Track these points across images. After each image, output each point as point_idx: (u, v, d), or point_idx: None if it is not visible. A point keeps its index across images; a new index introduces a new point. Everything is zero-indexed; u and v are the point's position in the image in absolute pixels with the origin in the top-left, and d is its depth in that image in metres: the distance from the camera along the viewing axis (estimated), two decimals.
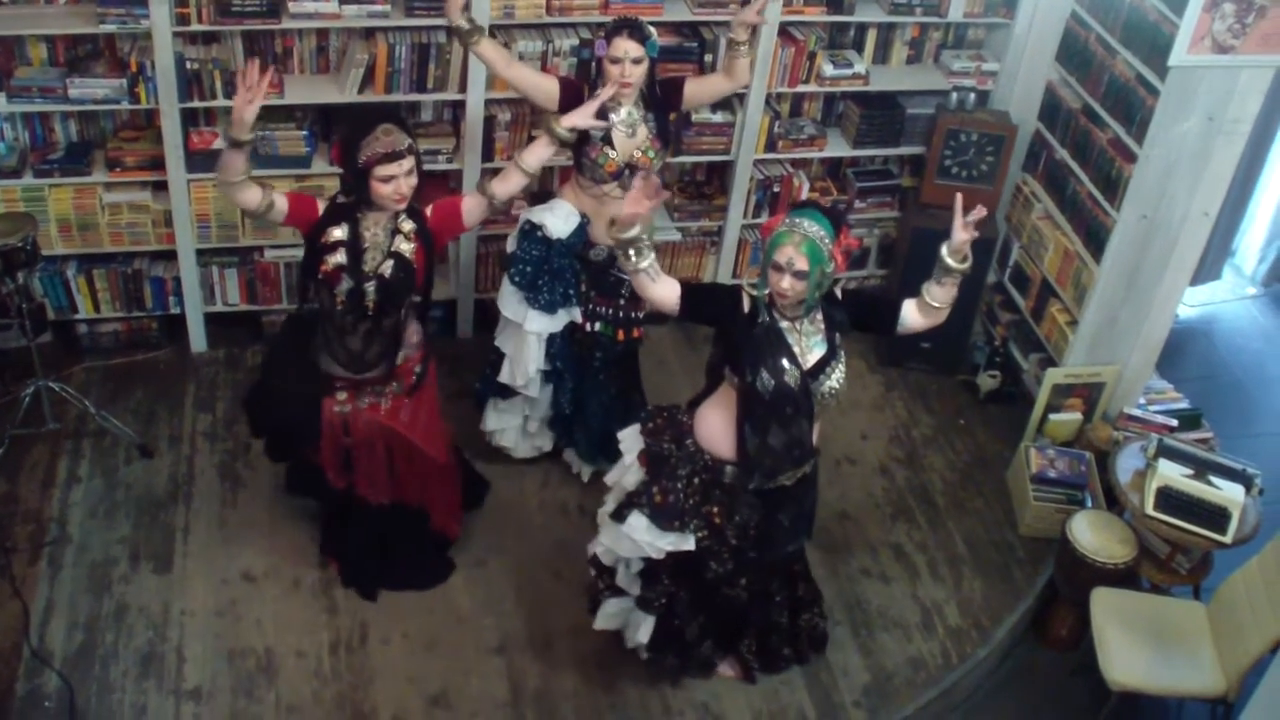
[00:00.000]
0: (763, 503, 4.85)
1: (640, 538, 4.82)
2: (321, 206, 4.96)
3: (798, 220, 4.47)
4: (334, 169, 6.20)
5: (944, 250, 4.61)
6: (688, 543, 4.83)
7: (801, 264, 4.43)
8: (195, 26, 5.98)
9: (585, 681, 5.46)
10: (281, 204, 4.90)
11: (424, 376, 5.33)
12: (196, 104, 6.17)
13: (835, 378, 4.68)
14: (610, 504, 5.07)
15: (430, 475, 5.52)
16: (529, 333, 5.82)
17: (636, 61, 5.45)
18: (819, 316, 4.66)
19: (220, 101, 6.16)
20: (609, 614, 5.32)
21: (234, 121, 4.66)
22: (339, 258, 4.90)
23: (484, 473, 6.26)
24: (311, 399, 5.18)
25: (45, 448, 6.22)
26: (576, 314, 5.87)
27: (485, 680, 5.43)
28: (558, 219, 5.76)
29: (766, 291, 4.56)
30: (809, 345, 4.65)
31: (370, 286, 4.93)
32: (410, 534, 5.65)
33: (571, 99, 5.54)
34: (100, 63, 6.17)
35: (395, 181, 4.77)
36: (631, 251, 4.54)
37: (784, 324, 4.61)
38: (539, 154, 5.19)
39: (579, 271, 5.85)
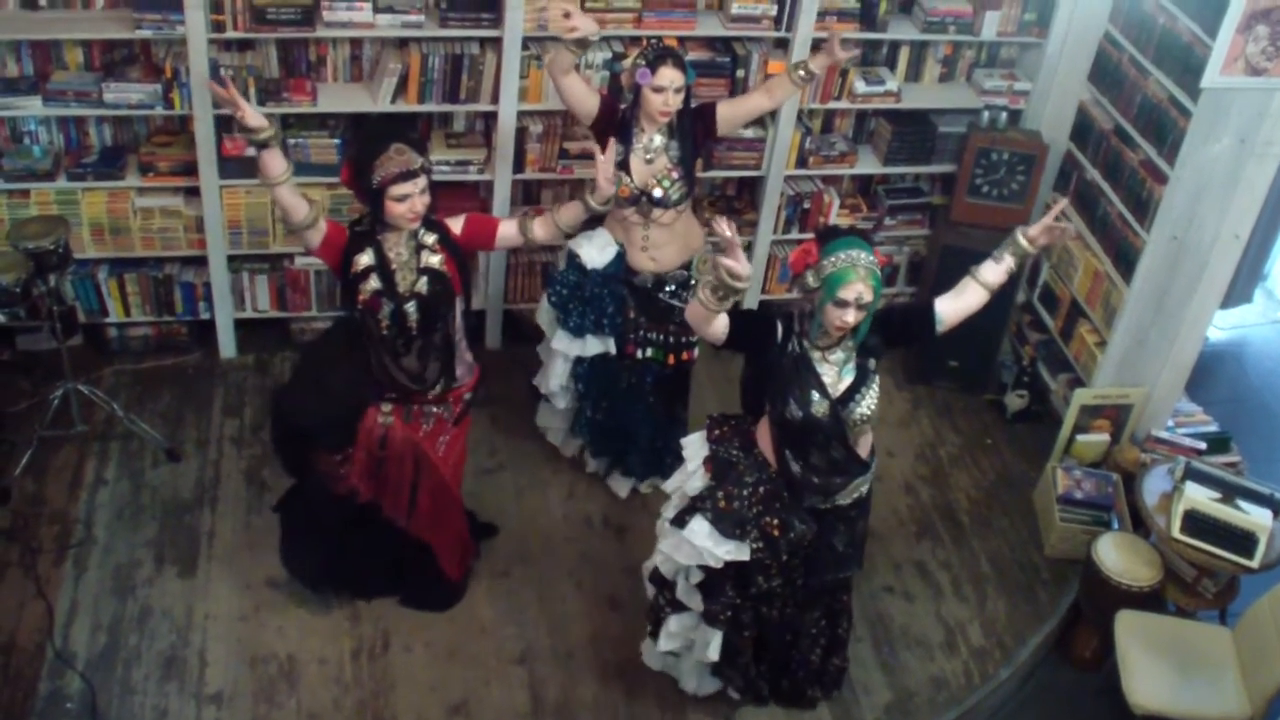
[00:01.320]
0: (818, 522, 4.82)
1: (700, 543, 4.74)
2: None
3: (855, 253, 4.42)
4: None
5: (1019, 233, 4.64)
6: (744, 552, 4.77)
7: (869, 296, 4.42)
8: (230, 33, 6.01)
9: (605, 693, 5.46)
10: (322, 226, 4.88)
11: (470, 407, 5.35)
12: (230, 110, 6.18)
13: (866, 404, 4.63)
14: (670, 510, 5.01)
15: (442, 512, 5.48)
16: (556, 350, 5.89)
17: (678, 91, 5.48)
18: (850, 342, 4.63)
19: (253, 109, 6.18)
20: (672, 633, 5.18)
21: (245, 129, 4.71)
22: (373, 283, 4.90)
23: (514, 478, 6.38)
24: (357, 403, 5.15)
25: (73, 450, 6.26)
26: (610, 344, 5.89)
27: (506, 690, 5.43)
28: (594, 249, 5.82)
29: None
30: (841, 373, 4.62)
31: (410, 307, 4.94)
32: (419, 561, 5.60)
33: (606, 119, 5.60)
34: (135, 68, 6.22)
35: (410, 200, 4.76)
36: (729, 296, 4.34)
37: (814, 353, 4.60)
38: (572, 216, 5.23)
39: (626, 298, 5.87)
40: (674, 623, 5.17)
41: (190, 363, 6.91)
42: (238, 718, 5.20)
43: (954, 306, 4.69)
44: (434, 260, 4.96)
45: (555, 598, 5.83)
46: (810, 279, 4.49)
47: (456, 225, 5.08)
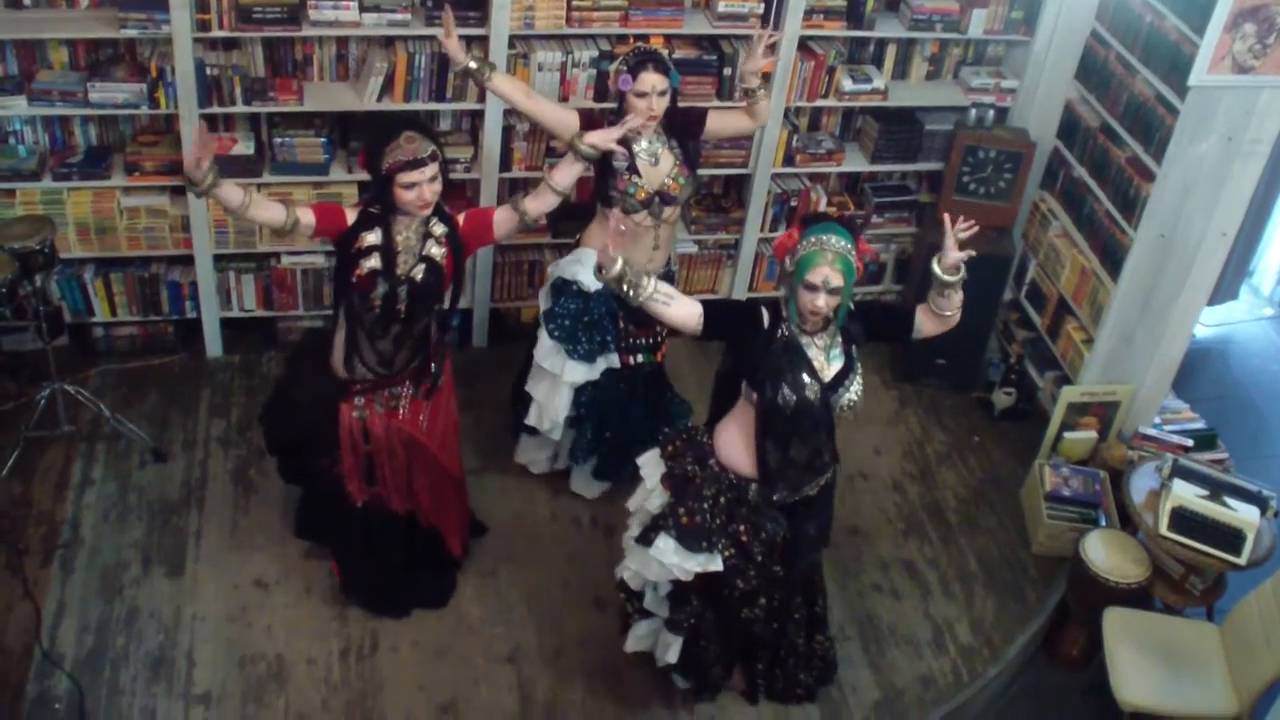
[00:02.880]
0: (788, 516, 4.83)
1: (669, 560, 4.78)
2: (350, 215, 4.93)
3: (825, 237, 4.44)
4: (351, 176, 6.30)
5: (935, 266, 4.59)
6: (716, 563, 4.80)
7: (837, 280, 4.42)
8: (216, 32, 6.00)
9: (594, 692, 5.46)
10: (308, 218, 4.87)
11: (439, 378, 5.30)
12: (216, 109, 6.18)
13: (854, 390, 4.65)
14: (635, 529, 5.04)
15: (443, 489, 5.50)
16: (564, 382, 5.85)
17: (662, 94, 5.44)
18: (833, 328, 4.65)
19: (239, 108, 6.19)
20: (639, 636, 5.31)
21: (186, 174, 4.72)
22: (373, 262, 4.89)
23: (500, 478, 6.38)
24: (327, 407, 5.16)
25: (60, 450, 6.24)
26: (614, 360, 5.86)
27: (494, 689, 5.43)
28: (589, 270, 5.75)
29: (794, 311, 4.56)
30: (828, 359, 4.63)
31: (403, 290, 4.94)
32: (427, 553, 5.64)
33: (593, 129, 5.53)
34: (121, 67, 6.20)
35: (418, 188, 4.76)
36: (626, 286, 4.49)
37: (803, 339, 4.60)
38: (568, 172, 5.16)
39: (616, 311, 5.84)
40: (642, 627, 5.29)
41: (176, 362, 6.89)
42: (226, 718, 5.19)
43: (930, 321, 4.74)
44: (436, 251, 4.95)
45: (543, 597, 5.83)
46: (788, 263, 4.53)
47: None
